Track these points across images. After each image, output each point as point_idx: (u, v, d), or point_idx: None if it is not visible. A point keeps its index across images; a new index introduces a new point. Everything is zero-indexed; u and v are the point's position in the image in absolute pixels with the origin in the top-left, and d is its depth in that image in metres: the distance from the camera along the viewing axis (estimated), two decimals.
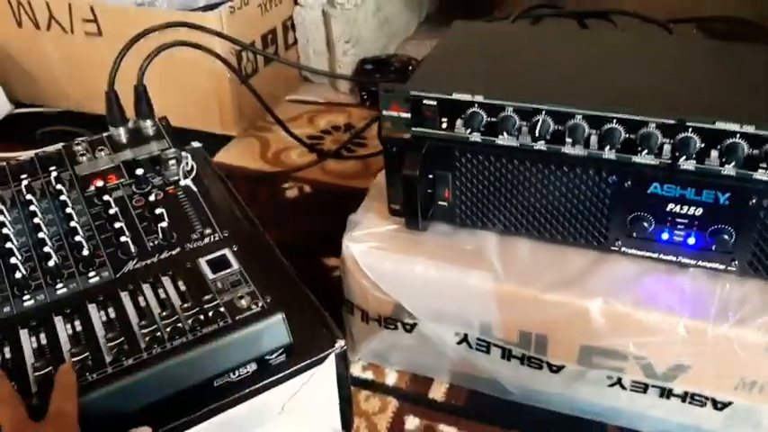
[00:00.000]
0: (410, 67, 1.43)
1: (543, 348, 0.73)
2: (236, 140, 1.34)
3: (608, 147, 0.66)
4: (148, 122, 0.89)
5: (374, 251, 0.76)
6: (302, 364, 0.66)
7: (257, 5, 1.31)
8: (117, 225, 0.75)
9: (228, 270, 0.70)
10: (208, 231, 0.76)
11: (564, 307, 0.69)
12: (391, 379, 0.84)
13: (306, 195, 1.18)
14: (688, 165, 0.65)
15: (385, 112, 0.73)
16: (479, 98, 0.69)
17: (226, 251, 0.73)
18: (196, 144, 0.95)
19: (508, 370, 0.76)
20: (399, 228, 0.78)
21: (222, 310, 0.65)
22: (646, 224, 0.69)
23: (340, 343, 0.67)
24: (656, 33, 0.88)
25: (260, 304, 0.66)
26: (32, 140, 1.30)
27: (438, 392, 0.83)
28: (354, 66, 1.46)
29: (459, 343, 0.77)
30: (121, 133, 0.88)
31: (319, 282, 0.93)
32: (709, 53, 0.78)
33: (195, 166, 0.85)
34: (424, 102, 0.71)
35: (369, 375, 0.85)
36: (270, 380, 0.65)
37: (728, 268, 0.68)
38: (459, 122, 0.71)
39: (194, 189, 0.82)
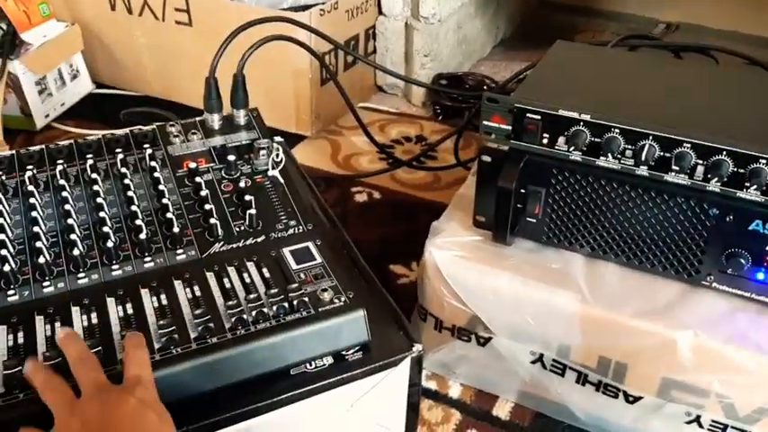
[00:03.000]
0: (485, 87, 1.43)
1: (621, 376, 0.71)
2: (309, 141, 1.35)
3: (714, 179, 0.65)
4: (242, 112, 0.90)
5: (458, 260, 0.75)
6: (377, 364, 0.66)
7: (345, 11, 1.33)
8: (207, 207, 0.75)
9: (312, 263, 0.71)
10: (292, 223, 0.76)
11: (650, 336, 0.68)
12: (455, 391, 0.84)
13: (375, 201, 1.18)
14: None
15: (485, 122, 0.73)
16: (586, 116, 0.68)
17: (309, 244, 0.73)
18: (278, 138, 0.96)
19: (581, 395, 0.75)
20: (483, 240, 0.77)
21: (306, 300, 0.65)
22: (742, 261, 0.67)
23: (417, 347, 0.66)
24: (760, 74, 0.86)
25: (342, 299, 0.66)
26: (116, 120, 1.33)
27: (503, 410, 0.81)
28: (430, 80, 1.46)
29: (533, 362, 0.76)
30: (215, 119, 0.89)
31: (385, 288, 0.93)
32: None
33: (284, 158, 0.86)
34: (528, 115, 0.71)
35: (432, 385, 0.84)
36: (344, 375, 0.65)
37: None
38: (561, 139, 0.70)
39: (281, 181, 0.83)
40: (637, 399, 0.72)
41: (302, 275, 0.69)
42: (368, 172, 1.23)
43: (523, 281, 0.73)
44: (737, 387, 0.66)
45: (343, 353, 0.66)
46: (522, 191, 0.75)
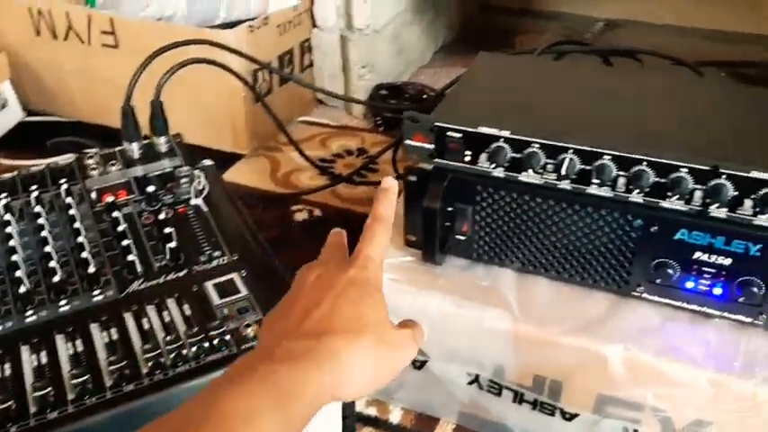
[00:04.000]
0: (424, 95, 1.42)
1: (557, 394, 0.70)
2: (246, 159, 1.32)
3: (636, 190, 0.64)
4: (162, 139, 0.87)
5: (388, 283, 0.73)
6: None
7: (276, 26, 1.30)
8: (125, 243, 0.73)
9: (237, 296, 0.68)
10: (217, 254, 0.74)
11: (582, 353, 0.67)
12: (396, 416, 0.82)
13: (316, 219, 1.16)
14: (719, 213, 0.63)
15: (407, 142, 0.72)
16: (506, 133, 0.67)
17: (234, 275, 0.71)
18: (208, 162, 0.93)
19: (519, 414, 0.73)
20: (414, 260, 0.76)
21: (228, 338, 0.63)
22: (670, 271, 0.67)
23: None
24: (685, 75, 0.86)
25: None
26: (44, 149, 1.29)
27: None
28: (369, 91, 1.45)
29: (469, 383, 0.74)
30: (134, 148, 0.86)
31: None
32: (743, 98, 0.76)
33: (207, 186, 0.83)
34: (449, 134, 0.69)
35: (372, 411, 0.82)
36: None
37: (755, 321, 0.66)
38: (483, 156, 0.69)
39: (205, 209, 0.80)
40: (574, 416, 0.70)
41: (225, 310, 0.67)
42: (308, 189, 1.20)
43: (454, 301, 0.72)
44: (672, 400, 0.65)
45: None
46: (450, 209, 0.73)
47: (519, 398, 0.72)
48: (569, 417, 0.71)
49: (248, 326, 0.65)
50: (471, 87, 0.78)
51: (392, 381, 0.49)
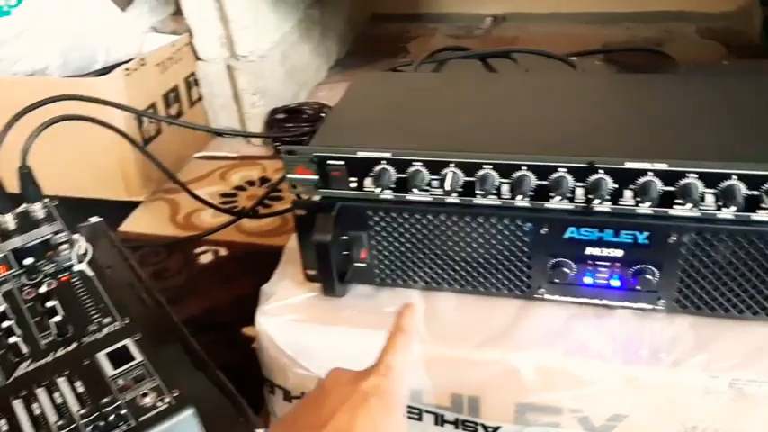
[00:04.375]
0: (322, 114, 1.40)
1: (477, 410, 0.69)
2: (144, 206, 1.27)
3: (519, 195, 0.63)
4: (38, 205, 0.81)
5: (291, 324, 0.71)
6: None
7: (155, 65, 1.26)
8: (5, 324, 0.67)
9: (131, 363, 0.64)
10: (107, 320, 0.69)
11: (494, 365, 0.66)
12: None
13: (222, 259, 1.12)
14: (603, 207, 0.63)
15: (290, 176, 0.69)
16: (386, 155, 0.66)
17: (127, 341, 0.67)
18: (95, 219, 0.89)
19: None
20: (317, 295, 0.73)
21: (124, 412, 0.59)
22: (566, 270, 0.66)
23: None
24: (561, 70, 0.87)
25: (166, 400, 0.60)
26: None
27: None
28: (265, 117, 1.42)
29: None
30: (8, 220, 0.80)
31: (241, 356, 0.87)
32: (616, 87, 0.77)
33: (89, 249, 0.78)
34: (330, 162, 0.67)
35: None
36: None
37: (656, 307, 0.67)
38: (368, 181, 0.67)
39: (90, 274, 0.76)
40: (496, 429, 0.69)
41: (120, 381, 0.62)
42: (210, 229, 1.16)
43: (361, 332, 0.69)
44: (587, 399, 0.65)
45: None
46: (344, 238, 0.71)
47: (440, 419, 0.71)
48: (492, 430, 0.70)
49: (145, 395, 0.61)
50: (349, 110, 0.76)
51: None
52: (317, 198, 0.70)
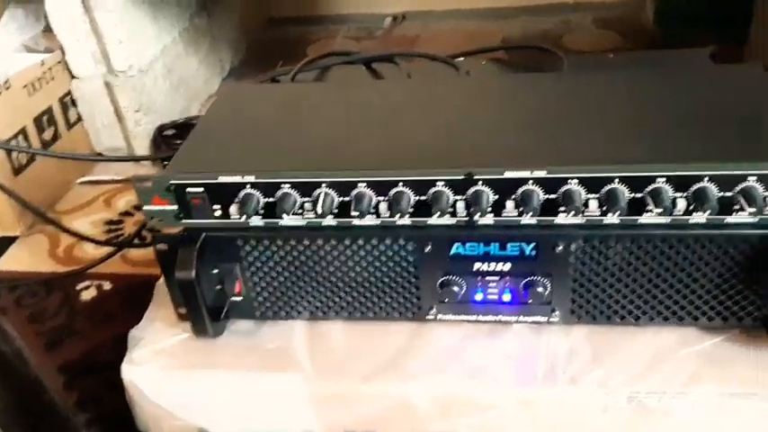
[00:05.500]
0: None
1: None
2: (21, 240, 1.16)
3: (398, 213, 0.58)
4: None
5: (161, 372, 0.64)
6: None
7: (22, 87, 1.15)
8: None
9: None
10: None
11: (387, 397, 0.61)
12: None
13: (105, 294, 1.03)
14: (486, 220, 0.59)
15: (146, 208, 0.62)
16: (250, 178, 0.60)
17: None
18: None
19: None
20: (190, 336, 0.66)
21: None
22: (456, 288, 0.62)
23: None
24: (445, 73, 0.83)
25: None
26: None
27: None
28: (151, 134, 1.33)
29: None
30: None
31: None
32: (498, 90, 0.74)
33: None
34: (189, 190, 0.61)
35: None
36: None
37: (550, 320, 0.63)
38: (233, 208, 0.61)
39: None
40: None
41: None
42: (92, 262, 1.07)
43: (240, 374, 0.63)
44: (483, 426, 0.61)
45: None
46: (215, 271, 0.64)
47: None
48: None
49: None
50: (212, 130, 0.69)
51: None
52: (178, 231, 0.63)
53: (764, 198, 0.54)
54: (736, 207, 0.55)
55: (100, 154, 1.36)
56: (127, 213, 1.21)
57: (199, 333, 0.65)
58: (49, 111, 1.23)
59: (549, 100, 0.69)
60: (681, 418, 0.57)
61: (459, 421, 0.61)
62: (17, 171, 1.15)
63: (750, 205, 0.54)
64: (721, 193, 0.55)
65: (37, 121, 1.19)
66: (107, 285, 1.04)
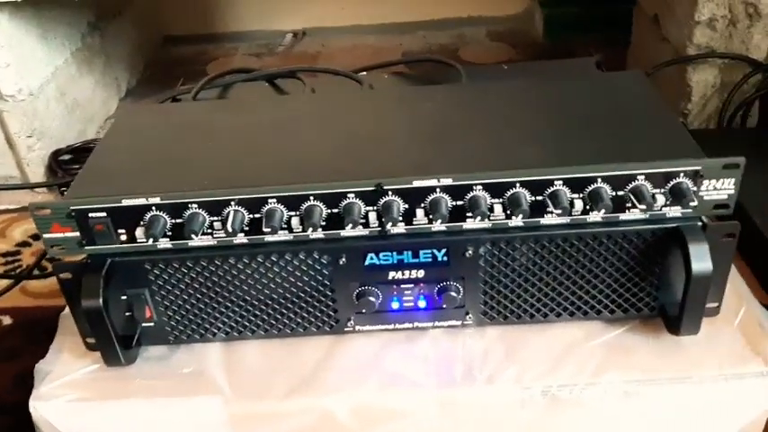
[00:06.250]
0: None
1: None
2: None
3: (311, 227, 0.58)
4: None
5: (73, 405, 0.61)
6: None
7: None
8: None
9: None
10: None
11: (307, 413, 0.61)
12: None
13: (5, 330, 0.97)
14: (398, 229, 0.60)
15: (46, 236, 0.60)
16: (155, 200, 0.58)
17: None
18: None
19: None
20: (101, 366, 0.64)
21: None
22: (372, 298, 0.63)
23: None
24: (350, 86, 0.84)
25: None
26: None
27: None
28: (46, 160, 1.27)
29: None
30: None
31: None
32: (401, 102, 0.75)
33: None
34: (91, 215, 0.59)
35: None
36: None
37: (465, 322, 0.65)
38: (139, 231, 0.59)
39: None
40: None
41: None
42: None
43: (157, 401, 0.61)
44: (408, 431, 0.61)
45: None
46: (123, 297, 0.62)
47: None
48: None
49: None
50: (112, 153, 0.67)
51: None
52: (82, 258, 0.61)
53: (653, 195, 0.58)
54: (629, 205, 0.59)
55: None
56: (24, 244, 1.15)
57: (110, 362, 0.63)
58: None
59: (450, 110, 0.71)
60: (592, 408, 0.60)
61: (382, 429, 0.61)
62: None
63: (640, 202, 0.57)
64: (614, 193, 0.58)
65: None
66: (7, 320, 0.99)
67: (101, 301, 0.59)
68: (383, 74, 0.91)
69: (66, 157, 1.30)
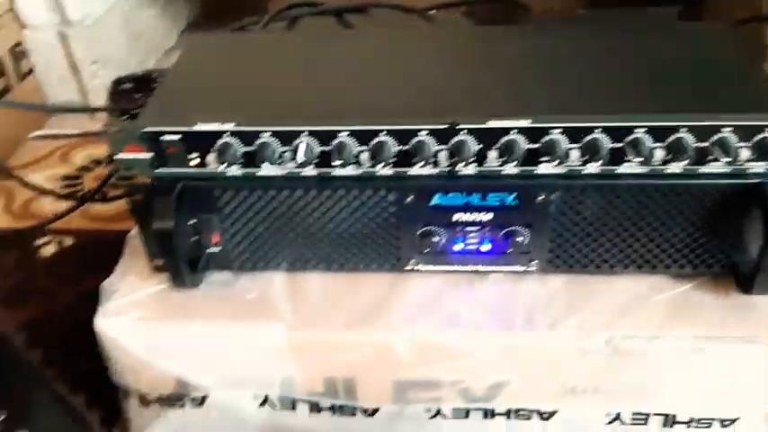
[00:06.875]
0: None
1: (353, 393, 0.65)
2: None
3: (380, 163, 0.58)
4: None
5: (138, 323, 0.63)
6: None
7: None
8: None
9: None
10: None
11: (366, 345, 0.62)
12: None
13: (67, 251, 1.00)
14: (468, 170, 0.59)
15: (119, 157, 0.60)
16: (229, 126, 0.58)
17: None
18: None
19: (321, 424, 0.67)
20: (168, 287, 0.65)
21: None
22: (436, 238, 0.62)
23: None
24: (419, 25, 0.82)
25: None
26: None
27: None
28: (108, 88, 1.28)
29: (261, 405, 0.67)
30: None
31: (93, 360, 0.78)
32: (475, 42, 0.73)
33: None
34: (164, 138, 0.59)
35: None
36: None
37: (528, 269, 0.64)
38: (211, 157, 0.60)
39: None
40: (375, 410, 0.65)
41: None
42: (51, 217, 1.03)
43: (220, 325, 0.63)
44: (466, 371, 0.62)
45: None
46: (192, 221, 0.63)
47: (315, 407, 0.66)
48: (371, 412, 0.66)
49: None
50: (184, 79, 0.67)
51: None
52: (152, 180, 0.62)
53: (738, 149, 0.56)
54: (711, 158, 0.57)
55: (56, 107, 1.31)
56: (85, 168, 1.17)
57: (176, 284, 0.64)
58: None
59: (524, 52, 0.69)
60: (655, 361, 0.59)
61: (440, 368, 0.62)
62: None
63: (724, 155, 0.55)
64: (697, 144, 0.56)
65: None
66: (69, 241, 1.02)
67: (172, 223, 0.60)
68: (453, 13, 0.89)
69: (127, 86, 1.31)
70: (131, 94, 1.29)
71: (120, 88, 1.29)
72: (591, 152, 0.56)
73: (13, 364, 0.62)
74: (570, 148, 0.57)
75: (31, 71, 1.26)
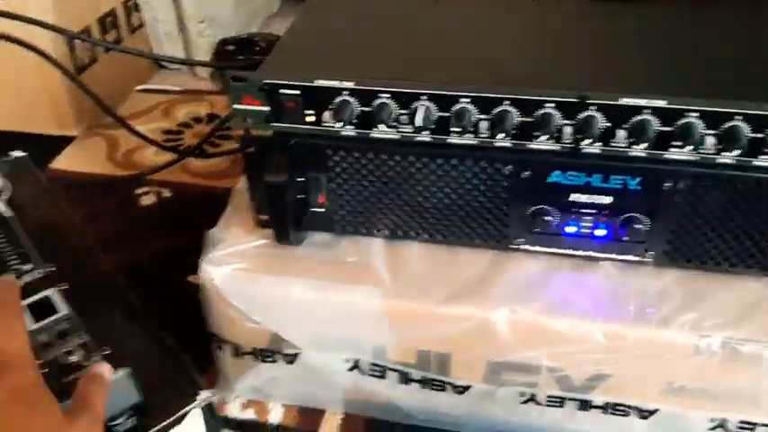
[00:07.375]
0: None
1: (445, 368, 0.63)
2: (79, 141, 1.16)
3: (501, 133, 0.56)
4: None
5: (240, 274, 0.63)
6: (158, 426, 0.54)
7: None
8: None
9: (55, 317, 0.58)
10: (27, 267, 0.62)
11: (465, 320, 0.60)
12: (276, 415, 0.73)
13: (165, 202, 1.03)
14: (592, 148, 0.56)
15: (236, 107, 0.60)
16: (349, 84, 0.57)
17: (51, 292, 0.59)
18: (18, 153, 0.79)
19: (408, 395, 0.66)
20: (270, 243, 0.65)
21: (46, 370, 0.52)
22: (549, 218, 0.60)
23: (203, 396, 0.55)
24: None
25: (95, 359, 0.53)
26: None
27: (332, 425, 0.72)
28: (212, 48, 1.30)
29: (350, 369, 0.66)
30: None
31: (188, 307, 0.79)
32: (602, 17, 0.70)
33: (8, 185, 0.69)
34: (283, 91, 0.59)
35: (250, 415, 0.73)
36: None
37: (643, 259, 0.61)
38: (327, 114, 0.59)
39: (9, 214, 0.67)
40: (466, 388, 0.64)
41: (44, 337, 0.55)
42: (153, 168, 1.06)
43: (319, 284, 0.62)
44: (567, 358, 0.60)
45: (112, 423, 0.53)
46: (300, 179, 0.63)
47: (405, 378, 0.65)
48: (461, 390, 0.64)
49: (70, 353, 0.54)
50: (305, 35, 0.67)
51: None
52: (267, 133, 0.61)
53: None
54: None
55: (161, 64, 1.35)
56: (186, 125, 1.20)
57: (280, 239, 0.64)
58: (112, 13, 1.20)
59: (655, 29, 0.65)
60: None
61: (542, 351, 0.60)
62: (79, 71, 1.13)
63: None
64: None
65: (101, 22, 1.18)
66: (167, 193, 1.04)
67: (284, 178, 0.59)
68: None
69: (231, 47, 1.33)
70: (234, 55, 1.31)
71: (224, 49, 1.32)
72: (729, 140, 0.53)
73: (117, 302, 0.63)
74: (706, 134, 0.53)
75: (141, 25, 1.29)
